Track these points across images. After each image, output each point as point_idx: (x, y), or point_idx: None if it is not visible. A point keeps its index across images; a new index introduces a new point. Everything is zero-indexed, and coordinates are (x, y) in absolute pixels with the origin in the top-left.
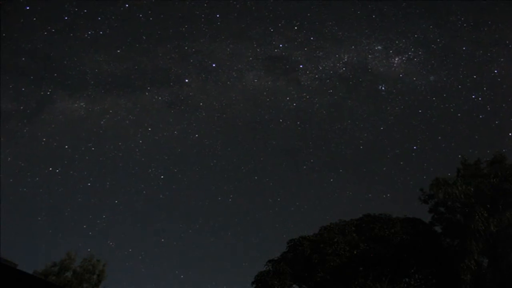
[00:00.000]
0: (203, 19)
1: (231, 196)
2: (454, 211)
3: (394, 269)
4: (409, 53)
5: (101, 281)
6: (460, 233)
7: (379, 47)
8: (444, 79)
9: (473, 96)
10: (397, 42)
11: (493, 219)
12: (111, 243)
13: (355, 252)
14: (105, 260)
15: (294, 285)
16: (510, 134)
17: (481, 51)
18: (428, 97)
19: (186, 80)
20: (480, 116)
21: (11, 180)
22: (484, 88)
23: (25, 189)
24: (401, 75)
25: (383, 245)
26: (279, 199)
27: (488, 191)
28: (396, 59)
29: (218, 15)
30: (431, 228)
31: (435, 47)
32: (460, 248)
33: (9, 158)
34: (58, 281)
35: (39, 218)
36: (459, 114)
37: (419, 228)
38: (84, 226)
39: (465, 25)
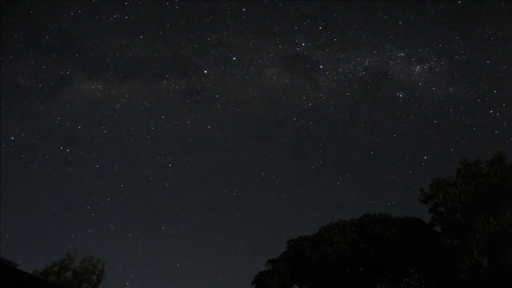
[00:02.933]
0: (228, 12)
1: (236, 190)
2: (454, 211)
3: (394, 269)
4: (431, 62)
5: (100, 280)
6: (460, 233)
7: (401, 54)
8: (464, 91)
9: (491, 111)
10: (420, 50)
11: (493, 219)
12: (112, 226)
13: (355, 252)
14: (104, 242)
15: (294, 285)
16: None
17: (504, 66)
18: (445, 108)
19: (205, 71)
20: (496, 132)
21: (22, 155)
22: (503, 104)
23: (34, 166)
24: (420, 84)
25: (383, 245)
26: (283, 197)
27: (488, 191)
28: (418, 67)
29: (244, 9)
30: (431, 228)
31: (458, 58)
32: (460, 248)
33: (23, 134)
34: (58, 281)
35: (45, 195)
36: (474, 128)
37: (419, 228)
38: (88, 207)
39: (491, 38)
